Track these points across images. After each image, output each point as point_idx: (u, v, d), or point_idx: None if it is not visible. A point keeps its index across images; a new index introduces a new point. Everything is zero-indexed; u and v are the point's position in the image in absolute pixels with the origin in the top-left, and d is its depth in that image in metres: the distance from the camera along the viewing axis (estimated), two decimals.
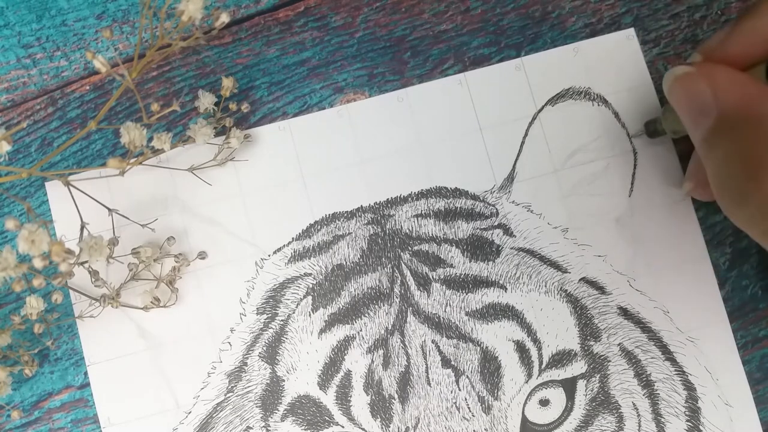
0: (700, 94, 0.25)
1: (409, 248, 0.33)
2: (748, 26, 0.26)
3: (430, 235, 0.33)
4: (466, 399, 0.31)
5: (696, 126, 0.26)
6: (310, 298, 0.32)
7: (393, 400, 0.31)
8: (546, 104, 0.34)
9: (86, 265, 0.31)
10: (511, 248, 0.33)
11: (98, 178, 0.33)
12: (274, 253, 0.33)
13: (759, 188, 0.23)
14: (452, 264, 0.32)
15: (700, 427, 0.32)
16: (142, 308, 0.32)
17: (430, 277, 0.32)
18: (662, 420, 0.32)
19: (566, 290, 0.32)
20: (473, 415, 0.31)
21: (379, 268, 0.33)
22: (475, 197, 0.33)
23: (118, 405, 0.32)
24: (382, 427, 0.31)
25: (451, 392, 0.31)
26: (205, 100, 0.32)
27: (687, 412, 0.32)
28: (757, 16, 0.26)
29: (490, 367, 0.31)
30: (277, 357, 0.32)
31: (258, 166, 0.34)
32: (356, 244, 0.33)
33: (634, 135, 0.33)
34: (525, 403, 0.31)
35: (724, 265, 0.33)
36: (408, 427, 0.31)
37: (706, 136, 0.25)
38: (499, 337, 0.32)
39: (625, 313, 0.32)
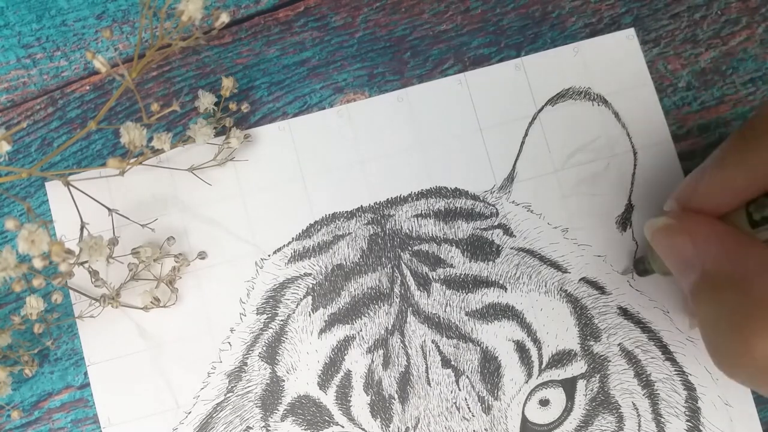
0: (681, 248, 0.24)
1: (409, 248, 0.33)
2: (716, 179, 0.24)
3: (430, 235, 0.33)
4: (466, 399, 0.31)
5: (682, 278, 0.25)
6: (310, 298, 0.32)
7: (393, 400, 0.31)
8: (546, 104, 0.34)
9: (86, 265, 0.31)
10: (511, 248, 0.33)
11: (98, 178, 0.33)
12: (274, 253, 0.33)
13: (749, 353, 0.21)
14: (452, 264, 0.32)
15: (700, 427, 0.32)
16: (142, 308, 0.32)
17: (430, 277, 0.32)
18: (662, 420, 0.32)
19: (566, 290, 0.32)
20: (473, 415, 0.31)
21: (379, 268, 0.33)
22: (475, 197, 0.33)
23: (118, 405, 0.32)
24: (382, 427, 0.31)
25: (451, 392, 0.31)
26: (205, 100, 0.32)
27: (687, 412, 0.32)
28: (724, 168, 0.24)
29: (490, 367, 0.31)
30: (277, 357, 0.32)
31: (258, 166, 0.34)
32: (356, 244, 0.33)
33: (623, 273, 0.33)
34: (525, 403, 0.31)
35: None
36: (408, 427, 0.31)
37: (692, 290, 0.24)
38: (499, 337, 0.32)
39: (625, 313, 0.32)
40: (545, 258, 0.33)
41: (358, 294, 0.32)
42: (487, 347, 0.32)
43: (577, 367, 0.32)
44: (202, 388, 0.32)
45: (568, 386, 0.32)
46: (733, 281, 0.22)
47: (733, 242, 0.23)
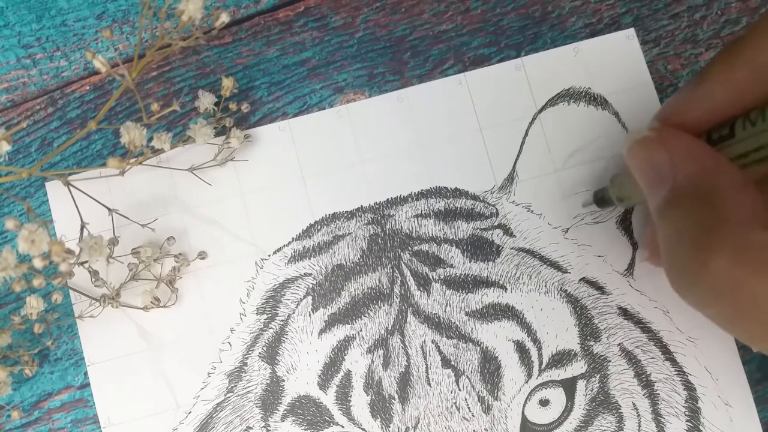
0: (657, 160, 0.25)
1: (409, 248, 0.33)
2: (698, 93, 0.25)
3: (430, 235, 0.33)
4: (466, 399, 0.31)
5: (652, 193, 0.25)
6: (310, 298, 0.32)
7: (393, 400, 0.31)
8: (546, 104, 0.34)
9: (86, 265, 0.31)
10: (511, 248, 0.33)
11: (98, 178, 0.33)
12: (274, 253, 0.33)
13: (704, 270, 0.22)
14: (452, 264, 0.32)
15: (700, 427, 0.32)
16: (142, 308, 0.32)
17: (430, 277, 0.32)
18: (662, 420, 0.32)
19: (566, 290, 0.32)
20: (473, 415, 0.31)
21: (379, 268, 0.33)
22: (475, 197, 0.33)
23: (118, 405, 0.32)
24: (382, 427, 0.31)
25: (451, 392, 0.31)
26: (205, 100, 0.32)
27: (687, 412, 0.32)
28: (709, 82, 0.24)
29: (490, 367, 0.31)
30: (277, 357, 0.32)
31: (258, 166, 0.34)
32: (356, 244, 0.33)
33: (584, 204, 0.33)
34: (525, 403, 0.31)
35: None
36: (408, 427, 0.31)
37: (660, 205, 0.24)
38: (499, 337, 0.32)
39: (625, 313, 0.32)
40: (545, 258, 0.33)
41: (358, 294, 0.32)
42: (487, 347, 0.32)
43: (577, 367, 0.32)
44: (202, 388, 0.32)
45: (568, 386, 0.32)
46: (703, 196, 0.23)
47: (709, 159, 0.24)
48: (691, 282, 0.23)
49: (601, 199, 0.32)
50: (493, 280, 0.32)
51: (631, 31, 0.35)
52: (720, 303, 0.22)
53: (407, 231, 0.33)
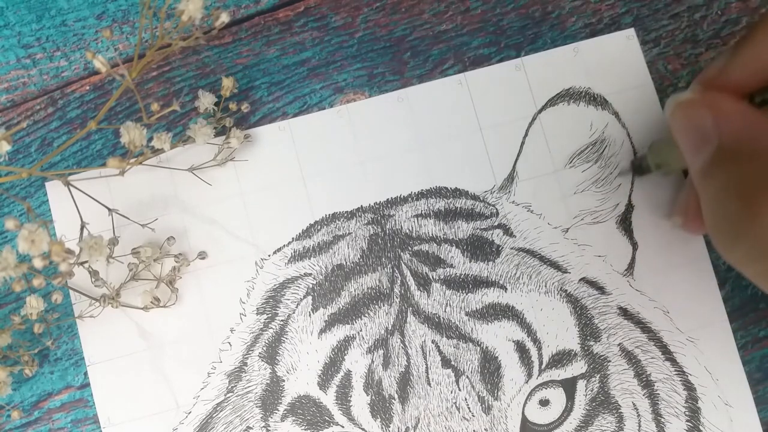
0: (701, 121, 0.25)
1: (409, 248, 0.33)
2: (747, 54, 0.25)
3: (430, 235, 0.33)
4: (466, 399, 0.31)
5: (695, 154, 0.25)
6: (310, 298, 0.32)
7: (393, 400, 0.31)
8: (546, 104, 0.34)
9: (86, 265, 0.31)
10: (511, 248, 0.33)
11: (98, 178, 0.33)
12: (274, 253, 0.33)
13: (754, 224, 0.22)
14: (452, 264, 0.32)
15: (700, 427, 0.32)
16: (142, 308, 0.32)
17: (430, 277, 0.32)
18: (662, 420, 0.32)
19: (566, 290, 0.32)
20: (473, 415, 0.31)
21: (379, 268, 0.33)
22: (475, 197, 0.33)
23: (118, 405, 0.32)
24: (382, 427, 0.31)
25: (451, 392, 0.31)
26: (205, 100, 0.32)
27: (687, 412, 0.32)
28: (754, 43, 0.25)
29: (490, 367, 0.31)
30: (277, 357, 0.32)
31: (258, 166, 0.34)
32: (356, 244, 0.33)
33: (621, 173, 0.33)
34: (525, 403, 0.31)
35: (724, 265, 0.33)
36: (408, 427, 0.31)
37: (704, 166, 0.25)
38: (499, 337, 0.32)
39: (625, 313, 0.32)
40: (545, 258, 0.33)
41: (358, 294, 0.32)
42: (487, 347, 0.32)
43: (577, 367, 0.32)
44: (202, 388, 0.32)
45: (568, 386, 0.32)
46: (749, 154, 0.23)
47: (753, 118, 0.24)
48: (738, 239, 0.23)
49: (639, 167, 0.32)
50: (493, 280, 0.32)
51: (631, 31, 0.35)
52: (766, 260, 0.23)
53: (407, 231, 0.33)
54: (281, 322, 0.32)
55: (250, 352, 0.32)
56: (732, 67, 0.26)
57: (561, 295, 0.32)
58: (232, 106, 0.33)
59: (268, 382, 0.32)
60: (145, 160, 0.32)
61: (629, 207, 0.33)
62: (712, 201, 0.24)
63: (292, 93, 0.35)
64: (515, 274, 0.32)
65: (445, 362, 0.31)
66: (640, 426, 0.31)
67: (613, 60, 0.34)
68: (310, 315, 0.32)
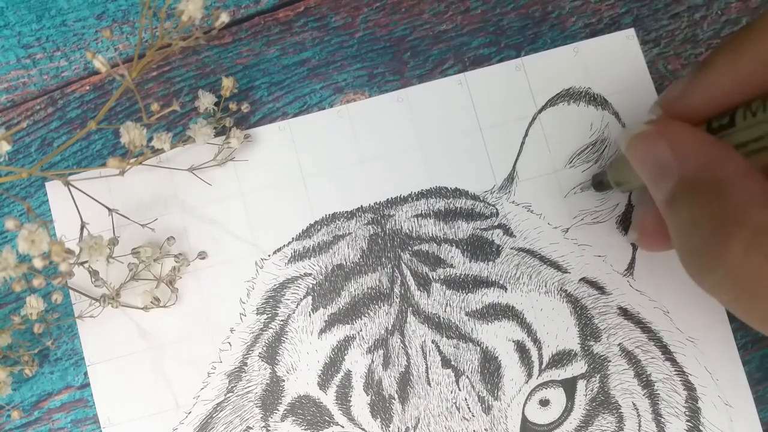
0: (659, 154, 0.24)
1: (409, 248, 0.33)
2: (707, 80, 0.25)
3: (430, 235, 0.33)
4: (466, 399, 0.31)
5: (657, 187, 0.25)
6: (310, 298, 0.32)
7: (393, 400, 0.31)
8: (546, 104, 0.34)
9: (86, 265, 0.31)
10: (511, 248, 0.33)
11: (98, 178, 0.33)
12: (274, 253, 0.33)
13: (727, 254, 0.22)
14: (452, 264, 0.32)
15: (700, 427, 0.32)
16: (142, 308, 0.32)
17: (430, 277, 0.32)
18: (662, 420, 0.32)
19: (566, 290, 0.32)
20: (473, 415, 0.31)
21: (379, 268, 0.33)
22: (475, 197, 0.33)
23: (118, 405, 0.32)
24: (382, 427, 0.31)
25: (451, 392, 0.31)
26: (205, 100, 0.32)
27: (687, 412, 0.32)
28: (714, 69, 0.24)
29: (490, 367, 0.31)
30: (277, 357, 0.32)
31: (258, 166, 0.34)
32: (356, 244, 0.33)
33: (583, 187, 0.33)
34: (525, 403, 0.31)
35: None
36: (408, 427, 0.31)
37: (668, 198, 0.24)
38: (499, 337, 0.32)
39: (625, 313, 0.32)
40: (545, 258, 0.33)
41: (358, 294, 0.32)
42: (487, 347, 0.32)
43: (577, 367, 0.32)
44: (202, 388, 0.32)
45: (569, 386, 0.32)
46: (712, 186, 0.23)
47: (713, 149, 0.24)
48: (708, 270, 0.23)
49: (599, 183, 0.32)
50: (493, 280, 0.32)
51: (631, 31, 0.35)
52: (737, 289, 0.22)
53: (407, 231, 0.33)
54: (281, 322, 0.32)
55: (250, 352, 0.32)
56: (690, 94, 0.25)
57: (561, 295, 0.32)
58: (232, 106, 0.33)
59: (268, 382, 0.32)
60: (145, 160, 0.32)
61: (629, 207, 0.33)
62: (680, 233, 0.24)
63: (292, 93, 0.35)
64: (515, 274, 0.32)
65: (445, 362, 0.31)
66: (640, 426, 0.31)
67: (613, 60, 0.34)
68: (310, 315, 0.32)
